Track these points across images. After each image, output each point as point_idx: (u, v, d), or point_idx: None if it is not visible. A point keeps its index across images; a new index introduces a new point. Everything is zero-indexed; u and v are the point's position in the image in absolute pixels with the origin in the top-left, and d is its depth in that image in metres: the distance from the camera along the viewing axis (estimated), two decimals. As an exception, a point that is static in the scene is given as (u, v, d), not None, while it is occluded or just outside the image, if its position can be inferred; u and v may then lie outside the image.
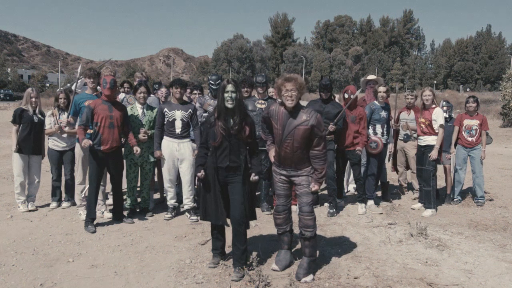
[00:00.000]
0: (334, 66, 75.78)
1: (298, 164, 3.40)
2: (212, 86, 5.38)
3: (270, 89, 6.94)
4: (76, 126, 4.65)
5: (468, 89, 61.05)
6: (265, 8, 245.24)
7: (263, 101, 5.30)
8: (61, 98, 5.29)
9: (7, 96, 42.00)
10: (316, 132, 3.26)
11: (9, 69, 65.02)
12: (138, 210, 5.14)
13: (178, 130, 4.77)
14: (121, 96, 5.56)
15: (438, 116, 5.28)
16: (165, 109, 4.77)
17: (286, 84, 3.24)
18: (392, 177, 7.16)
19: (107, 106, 4.48)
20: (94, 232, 4.36)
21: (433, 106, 5.37)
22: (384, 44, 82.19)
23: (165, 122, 4.79)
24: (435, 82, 73.99)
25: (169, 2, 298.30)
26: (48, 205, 5.37)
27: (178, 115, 4.76)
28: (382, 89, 5.54)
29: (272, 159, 3.56)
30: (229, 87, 3.29)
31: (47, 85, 58.45)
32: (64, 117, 5.14)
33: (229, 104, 3.28)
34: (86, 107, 4.49)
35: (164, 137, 4.85)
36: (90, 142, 4.29)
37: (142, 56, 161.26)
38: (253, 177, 3.51)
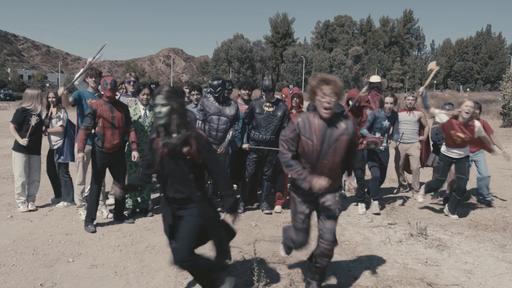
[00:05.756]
0: (334, 66, 75.78)
1: (334, 183, 2.87)
2: (214, 95, 5.05)
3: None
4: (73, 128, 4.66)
5: (468, 89, 61.05)
6: (265, 8, 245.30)
7: (270, 104, 5.11)
8: (49, 98, 5.33)
9: (7, 96, 41.99)
10: (354, 140, 2.88)
11: (9, 69, 65.01)
12: (138, 210, 5.14)
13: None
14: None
15: (481, 131, 4.92)
16: None
17: (324, 87, 2.68)
18: (392, 177, 7.16)
19: (108, 107, 4.46)
20: (94, 232, 4.36)
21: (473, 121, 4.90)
22: (384, 44, 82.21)
23: None
24: (435, 82, 74.00)
25: (169, 2, 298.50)
26: (48, 205, 5.37)
27: None
28: (388, 99, 5.32)
29: (324, 184, 2.73)
30: (158, 99, 2.62)
31: (47, 85, 58.44)
32: (61, 114, 5.22)
33: (159, 121, 2.63)
34: (89, 108, 4.47)
35: None
36: (83, 157, 4.31)
37: (142, 56, 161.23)
38: (224, 215, 2.77)
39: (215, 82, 5.01)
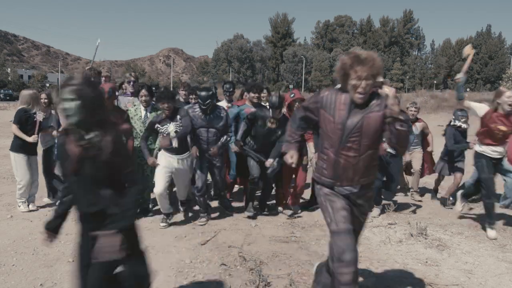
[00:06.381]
0: (334, 66, 75.76)
1: (363, 177, 2.40)
2: (201, 106, 4.60)
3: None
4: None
5: (468, 89, 61.02)
6: (265, 8, 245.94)
7: (275, 120, 4.75)
8: (41, 99, 5.23)
9: (7, 96, 41.98)
10: (393, 117, 2.28)
11: (9, 69, 65.05)
12: (138, 210, 5.12)
13: (174, 144, 4.45)
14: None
15: None
16: (157, 125, 4.45)
17: (359, 68, 2.21)
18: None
19: None
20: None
21: None
22: (384, 44, 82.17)
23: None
24: (435, 82, 73.99)
25: (169, 2, 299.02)
26: (48, 205, 5.37)
27: (171, 128, 4.42)
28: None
29: (291, 161, 2.62)
30: (65, 93, 2.08)
31: (47, 85, 58.46)
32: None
33: (69, 119, 2.11)
34: None
35: (162, 150, 4.57)
36: None
37: (142, 56, 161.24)
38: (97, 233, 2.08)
39: (204, 93, 4.54)
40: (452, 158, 5.79)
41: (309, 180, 5.34)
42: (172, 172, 4.57)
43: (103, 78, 5.29)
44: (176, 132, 4.43)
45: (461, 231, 4.69)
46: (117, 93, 5.44)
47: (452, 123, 5.73)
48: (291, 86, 61.32)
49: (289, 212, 5.15)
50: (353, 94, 2.28)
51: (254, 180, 4.88)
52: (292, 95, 5.10)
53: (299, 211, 5.26)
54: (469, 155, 5.67)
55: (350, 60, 2.23)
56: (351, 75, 2.23)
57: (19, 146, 4.98)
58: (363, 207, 2.50)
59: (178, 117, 4.46)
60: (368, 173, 2.42)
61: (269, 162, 4.75)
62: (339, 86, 2.46)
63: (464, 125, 5.59)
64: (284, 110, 5.26)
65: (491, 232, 4.54)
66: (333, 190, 2.43)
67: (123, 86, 5.84)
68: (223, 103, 5.74)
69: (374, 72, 2.21)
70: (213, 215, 5.03)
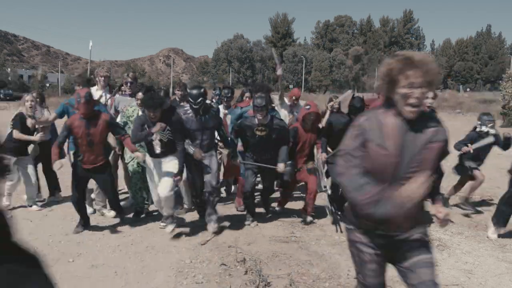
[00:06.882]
0: (334, 66, 75.78)
1: (414, 221, 1.95)
2: (192, 105, 4.22)
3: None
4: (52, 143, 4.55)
5: (468, 89, 61.03)
6: (265, 8, 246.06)
7: (263, 127, 4.39)
8: (27, 101, 4.98)
9: (7, 96, 41.97)
10: (445, 150, 1.92)
11: (9, 69, 65.08)
12: (139, 209, 5.11)
13: (157, 150, 4.24)
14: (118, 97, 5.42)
15: None
16: (146, 126, 4.09)
17: (411, 73, 1.72)
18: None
19: (83, 122, 4.06)
20: (79, 232, 4.34)
21: None
22: (384, 44, 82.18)
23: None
24: (435, 82, 73.99)
25: (169, 2, 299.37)
26: (48, 205, 5.36)
27: (155, 136, 4.13)
28: None
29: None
30: None
31: (47, 85, 58.46)
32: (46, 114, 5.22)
33: None
34: (63, 124, 4.21)
35: (147, 155, 4.36)
36: (61, 165, 4.09)
37: (142, 56, 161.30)
38: None
39: (195, 92, 4.18)
40: (462, 160, 5.46)
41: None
42: (159, 173, 4.34)
43: (102, 78, 5.25)
44: (160, 140, 4.18)
45: (461, 231, 4.69)
46: (107, 96, 5.32)
47: (478, 129, 5.26)
48: (291, 86, 61.27)
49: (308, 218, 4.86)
50: (402, 106, 1.77)
51: (246, 195, 4.67)
52: (307, 107, 4.71)
53: (312, 219, 4.94)
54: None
55: (400, 63, 1.75)
56: (401, 82, 1.74)
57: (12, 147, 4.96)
58: (412, 250, 2.02)
59: (168, 128, 4.16)
60: (421, 214, 1.98)
61: (280, 167, 4.48)
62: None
63: (491, 131, 5.19)
64: (278, 108, 4.99)
65: (492, 234, 4.51)
66: (373, 234, 1.96)
67: (122, 88, 5.79)
68: (220, 108, 5.68)
69: (431, 79, 1.74)
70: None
